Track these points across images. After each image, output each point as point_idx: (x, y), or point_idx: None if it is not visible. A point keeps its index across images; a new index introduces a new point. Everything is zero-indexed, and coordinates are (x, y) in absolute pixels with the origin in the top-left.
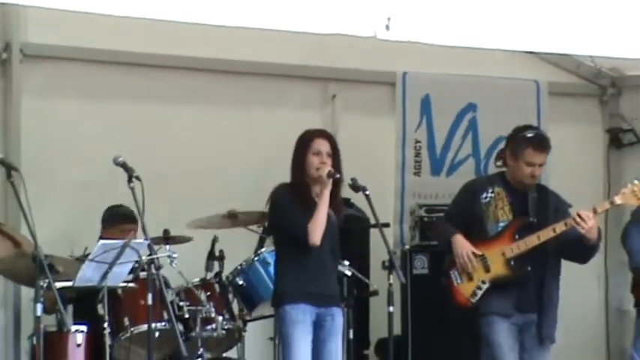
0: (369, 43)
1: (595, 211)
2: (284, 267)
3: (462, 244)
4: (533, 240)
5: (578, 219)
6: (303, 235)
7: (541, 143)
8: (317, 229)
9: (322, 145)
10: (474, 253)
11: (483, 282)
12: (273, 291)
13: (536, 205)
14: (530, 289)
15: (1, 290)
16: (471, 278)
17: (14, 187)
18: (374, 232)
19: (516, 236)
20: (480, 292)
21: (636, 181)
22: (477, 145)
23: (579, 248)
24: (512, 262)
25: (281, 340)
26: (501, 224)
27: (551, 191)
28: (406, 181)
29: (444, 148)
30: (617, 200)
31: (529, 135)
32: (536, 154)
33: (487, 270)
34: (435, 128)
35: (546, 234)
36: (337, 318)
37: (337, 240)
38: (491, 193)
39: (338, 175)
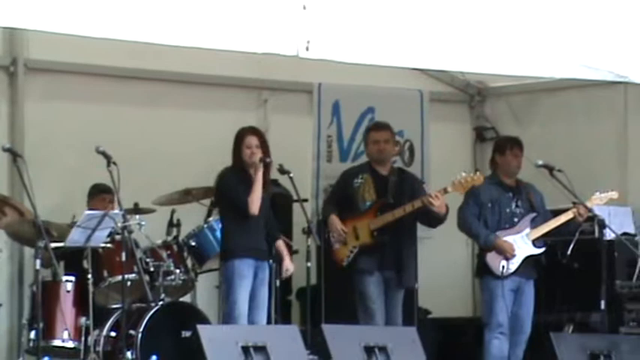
0: (293, 60)
1: (435, 196)
2: (230, 230)
3: (334, 223)
4: (388, 217)
5: (429, 199)
6: (245, 207)
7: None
8: (255, 201)
9: (252, 140)
10: (342, 229)
11: (354, 247)
12: (222, 249)
13: (395, 188)
14: (390, 252)
15: (9, 249)
16: (345, 244)
17: (19, 170)
18: (296, 206)
19: (378, 213)
20: (351, 255)
21: (463, 174)
22: None
23: (430, 218)
24: (374, 233)
25: (226, 288)
26: (368, 203)
27: (408, 174)
28: (320, 166)
29: (349, 140)
30: (449, 188)
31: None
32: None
33: (357, 238)
34: (343, 126)
35: (399, 212)
36: (267, 271)
37: (269, 210)
38: (361, 179)
39: (268, 160)
